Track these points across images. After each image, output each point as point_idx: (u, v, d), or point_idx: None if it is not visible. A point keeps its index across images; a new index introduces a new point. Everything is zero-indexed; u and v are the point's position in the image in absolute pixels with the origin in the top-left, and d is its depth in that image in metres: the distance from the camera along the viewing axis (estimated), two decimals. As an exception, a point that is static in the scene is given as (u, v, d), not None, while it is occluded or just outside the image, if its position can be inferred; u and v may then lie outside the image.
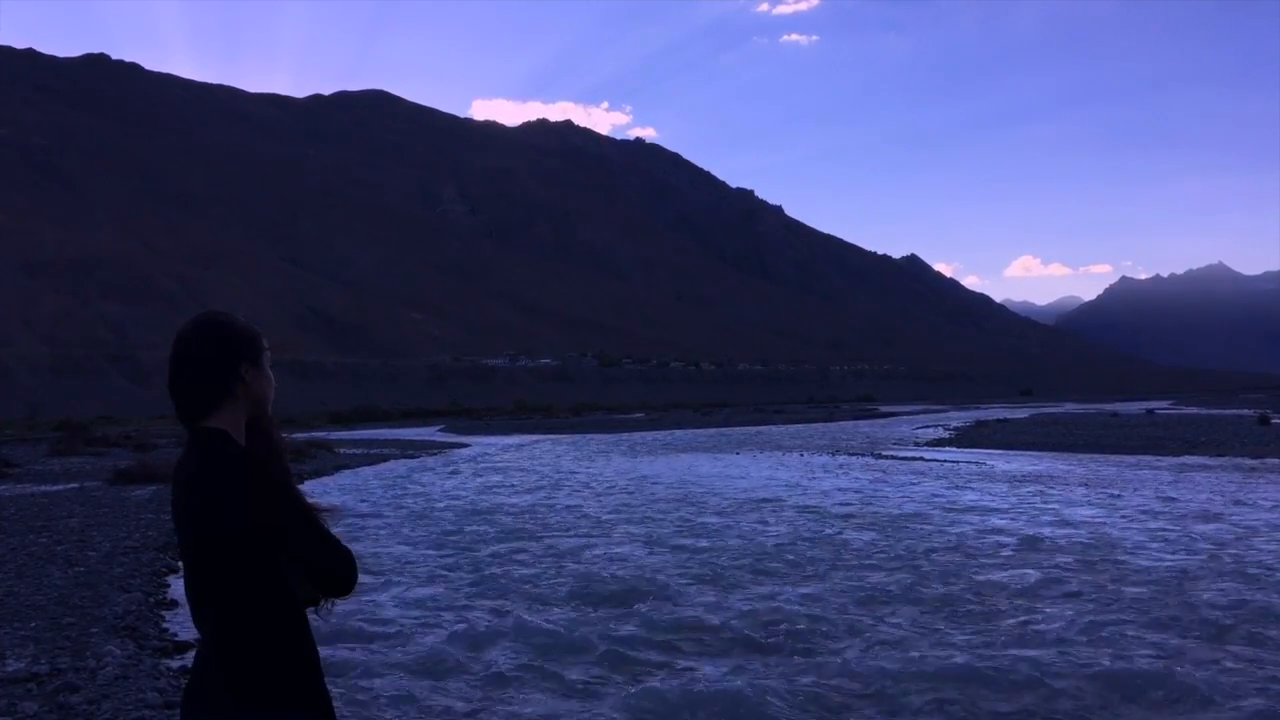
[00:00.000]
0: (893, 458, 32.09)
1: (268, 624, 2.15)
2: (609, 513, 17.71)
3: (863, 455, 33.54)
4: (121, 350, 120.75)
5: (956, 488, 21.13)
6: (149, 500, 18.32)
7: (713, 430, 61.08)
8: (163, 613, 9.20)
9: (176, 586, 10.58)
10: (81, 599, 9.28)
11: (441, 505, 19.24)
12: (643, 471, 27.98)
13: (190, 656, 7.61)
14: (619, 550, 13.24)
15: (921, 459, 31.03)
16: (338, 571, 2.19)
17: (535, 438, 52.94)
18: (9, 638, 7.74)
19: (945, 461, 29.57)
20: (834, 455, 33.85)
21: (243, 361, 2.26)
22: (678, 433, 57.55)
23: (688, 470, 28.21)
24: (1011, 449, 35.85)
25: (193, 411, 2.22)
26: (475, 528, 15.77)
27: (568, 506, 18.90)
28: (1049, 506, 17.44)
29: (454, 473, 28.31)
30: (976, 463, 28.98)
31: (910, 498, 19.27)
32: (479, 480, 25.58)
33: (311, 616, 2.27)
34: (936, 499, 18.93)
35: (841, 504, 18.29)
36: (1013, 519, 15.77)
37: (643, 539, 14.30)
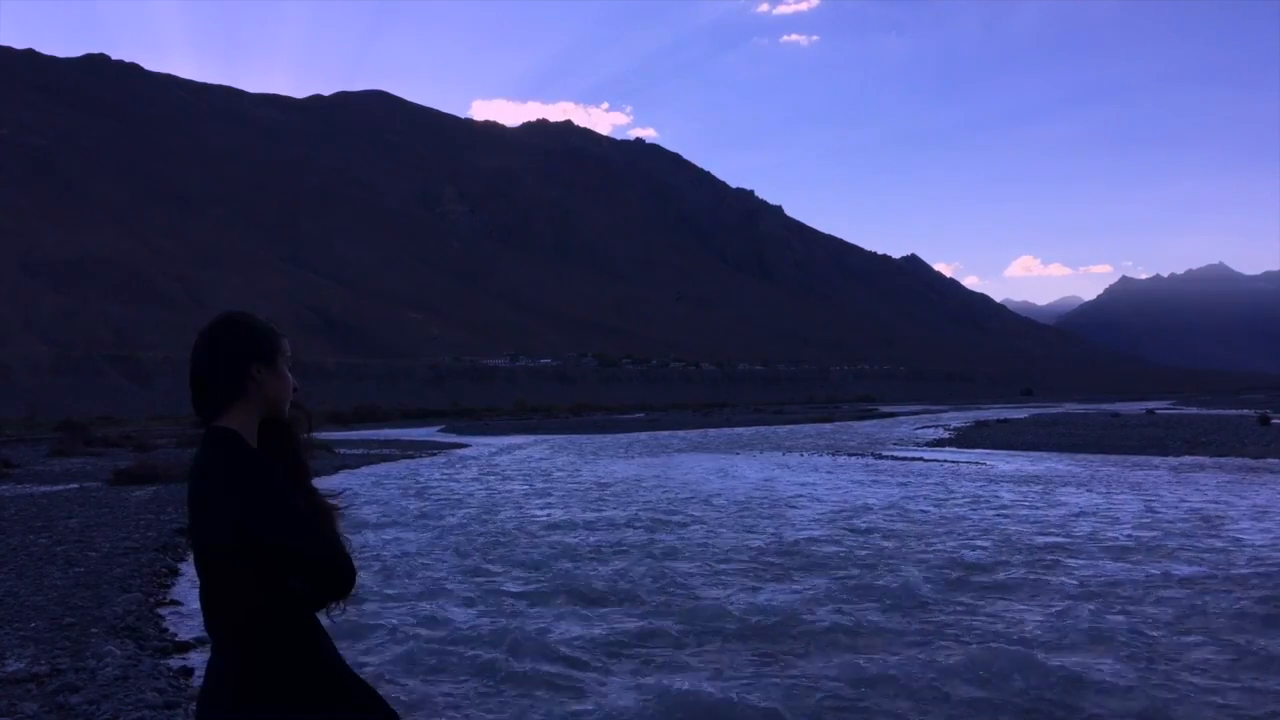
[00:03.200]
0: (896, 458, 32.08)
1: (272, 626, 2.16)
2: (606, 507, 17.69)
3: (864, 455, 33.53)
4: (121, 350, 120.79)
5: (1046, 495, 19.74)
6: (149, 500, 18.31)
7: (713, 430, 61.07)
8: (163, 613, 9.19)
9: (176, 586, 10.56)
10: (81, 599, 9.26)
11: (442, 505, 19.22)
12: (651, 473, 27.93)
13: (190, 656, 7.61)
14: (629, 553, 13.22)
15: (922, 459, 31.03)
16: (331, 576, 2.19)
17: (536, 438, 52.93)
18: (9, 638, 7.72)
19: (946, 462, 29.57)
20: (834, 455, 33.84)
21: (255, 361, 2.27)
22: (679, 433, 57.52)
23: (711, 472, 28.13)
24: (1012, 449, 35.83)
25: (206, 410, 2.25)
26: (480, 527, 15.75)
27: (591, 510, 18.87)
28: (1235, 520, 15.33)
29: (455, 473, 28.30)
30: (979, 463, 28.98)
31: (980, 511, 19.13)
32: (480, 480, 25.57)
33: (322, 618, 2.29)
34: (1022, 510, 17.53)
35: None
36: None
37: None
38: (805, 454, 34.77)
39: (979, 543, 13.25)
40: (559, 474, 27.47)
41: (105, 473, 23.88)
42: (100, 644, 7.53)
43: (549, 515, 17.33)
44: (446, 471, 28.83)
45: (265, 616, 2.16)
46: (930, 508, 17.46)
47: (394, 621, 8.97)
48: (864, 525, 15.32)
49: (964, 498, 19.07)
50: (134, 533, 13.87)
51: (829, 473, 26.25)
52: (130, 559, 11.64)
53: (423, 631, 8.65)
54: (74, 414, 63.54)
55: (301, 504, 2.22)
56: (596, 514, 17.47)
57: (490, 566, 12.03)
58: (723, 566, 11.77)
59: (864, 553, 12.62)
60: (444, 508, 18.74)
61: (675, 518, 16.60)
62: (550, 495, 21.16)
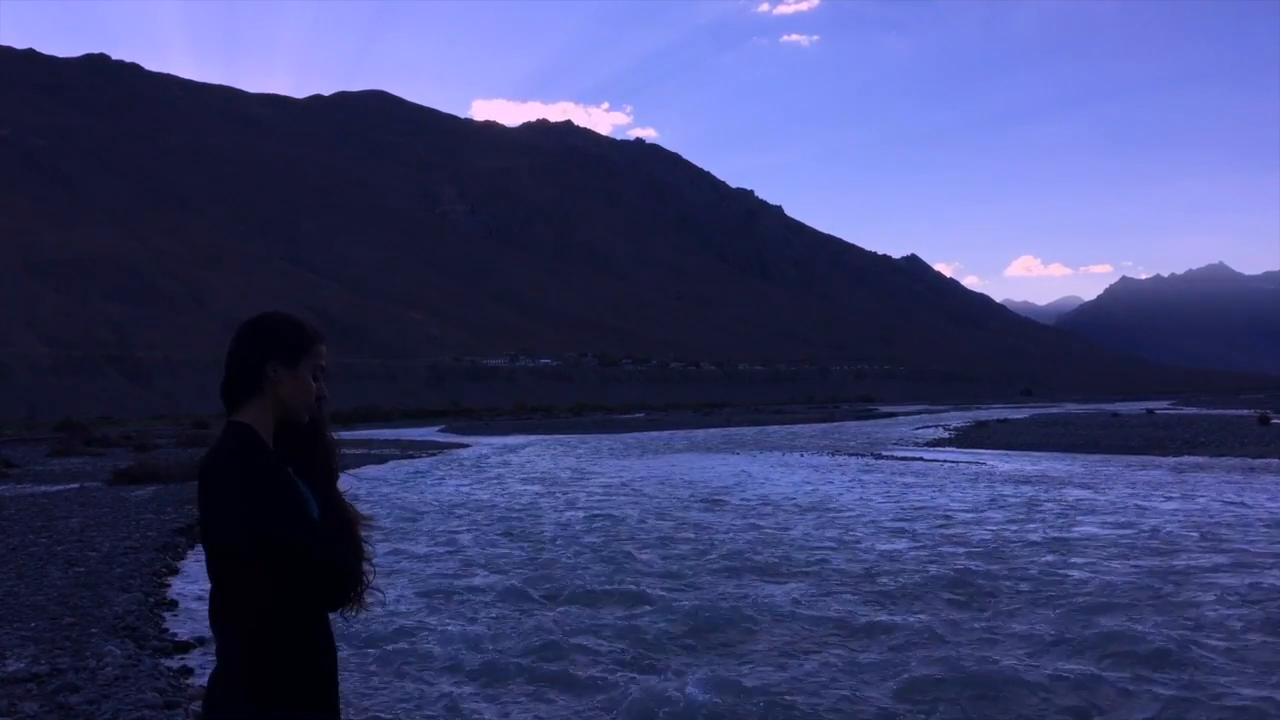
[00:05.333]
0: (895, 458, 32.06)
1: (283, 627, 2.17)
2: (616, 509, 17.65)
3: (863, 455, 33.52)
4: (121, 350, 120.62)
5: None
6: (149, 500, 18.30)
7: (715, 430, 61.01)
8: (163, 613, 9.19)
9: (176, 586, 10.57)
10: (81, 599, 9.26)
11: (448, 505, 19.20)
12: (668, 474, 27.87)
13: (190, 656, 7.62)
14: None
15: (921, 459, 31.02)
16: (335, 578, 2.20)
17: (537, 438, 52.88)
18: (9, 638, 7.72)
19: (945, 462, 29.57)
20: (849, 456, 33.83)
21: (272, 360, 2.29)
22: (680, 433, 57.47)
23: (731, 474, 28.07)
24: (1012, 449, 35.82)
25: (227, 402, 2.30)
26: (489, 527, 15.73)
27: (594, 511, 18.84)
28: None
29: (460, 474, 28.27)
30: (977, 462, 28.96)
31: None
32: (483, 479, 25.54)
33: (337, 620, 2.31)
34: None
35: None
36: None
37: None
38: (820, 455, 34.71)
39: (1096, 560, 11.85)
40: (571, 474, 27.15)
41: (105, 473, 23.87)
42: (100, 644, 7.53)
43: (578, 522, 16.67)
44: (450, 472, 28.77)
45: (276, 617, 2.16)
46: (1000, 516, 16.30)
47: (401, 624, 8.96)
48: (938, 536, 14.07)
49: (1022, 503, 18.49)
50: (134, 533, 13.87)
51: (851, 474, 26.09)
52: (130, 559, 11.63)
53: (435, 634, 8.64)
54: (74, 414, 63.48)
55: (315, 507, 2.24)
56: (626, 516, 17.38)
57: (501, 566, 12.02)
58: (820, 584, 10.56)
59: (963, 570, 11.31)
60: (449, 506, 18.69)
61: (723, 532, 14.91)
62: (573, 498, 20.64)
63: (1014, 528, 14.82)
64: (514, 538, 14.52)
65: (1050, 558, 12.05)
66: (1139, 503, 17.87)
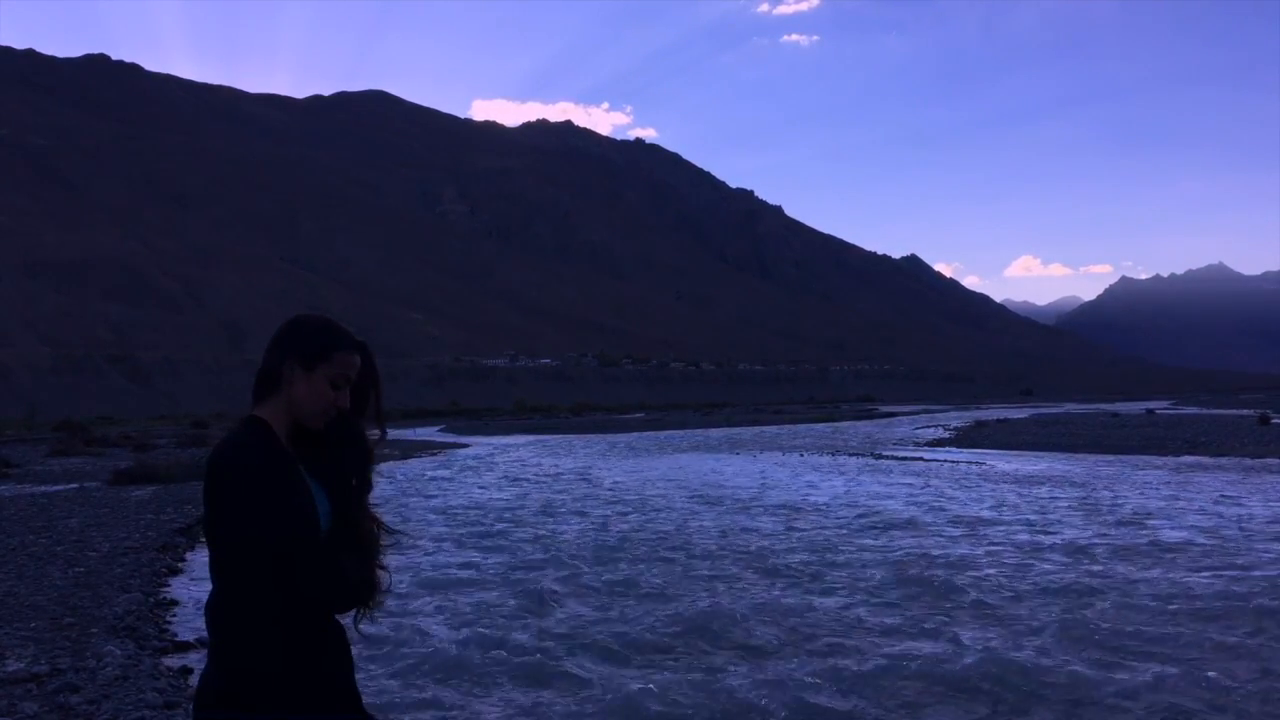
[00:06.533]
0: (896, 458, 32.05)
1: (272, 625, 2.13)
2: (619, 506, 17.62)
3: (862, 455, 33.51)
4: (121, 350, 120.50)
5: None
6: (149, 500, 18.27)
7: (716, 431, 60.96)
8: (163, 613, 9.17)
9: (177, 586, 10.55)
10: (81, 599, 9.24)
11: (452, 506, 19.16)
12: (680, 475, 27.77)
13: (190, 656, 7.60)
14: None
15: (922, 459, 31.01)
16: (325, 587, 2.16)
17: (537, 438, 52.81)
18: (9, 638, 7.70)
19: (946, 462, 29.55)
20: (833, 455, 33.81)
21: (289, 360, 2.28)
22: (681, 433, 57.39)
23: (744, 474, 27.96)
24: (1012, 449, 35.81)
25: (253, 397, 2.31)
26: (498, 529, 15.69)
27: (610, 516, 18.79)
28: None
29: (458, 474, 28.22)
30: (979, 462, 28.94)
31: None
32: (487, 480, 25.49)
33: (348, 622, 2.30)
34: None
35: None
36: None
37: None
38: (824, 455, 34.68)
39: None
40: (576, 475, 26.81)
41: (105, 473, 23.82)
42: (100, 644, 7.51)
43: (596, 525, 16.20)
44: (452, 472, 28.70)
45: (273, 617, 2.12)
46: (1061, 522, 15.23)
47: (407, 626, 8.93)
48: (1012, 542, 13.18)
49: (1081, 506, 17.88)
50: (134, 533, 13.85)
51: (872, 475, 25.73)
52: (130, 559, 11.61)
53: (444, 636, 8.61)
54: (74, 414, 63.42)
55: (326, 504, 2.24)
56: (650, 522, 17.27)
57: (509, 566, 11.98)
58: (895, 607, 9.51)
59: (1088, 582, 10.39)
60: (462, 511, 18.61)
61: (765, 537, 14.04)
62: (582, 500, 20.02)
63: (1089, 534, 13.97)
64: (527, 540, 14.26)
65: (1154, 572, 10.97)
66: (1190, 506, 17.29)
